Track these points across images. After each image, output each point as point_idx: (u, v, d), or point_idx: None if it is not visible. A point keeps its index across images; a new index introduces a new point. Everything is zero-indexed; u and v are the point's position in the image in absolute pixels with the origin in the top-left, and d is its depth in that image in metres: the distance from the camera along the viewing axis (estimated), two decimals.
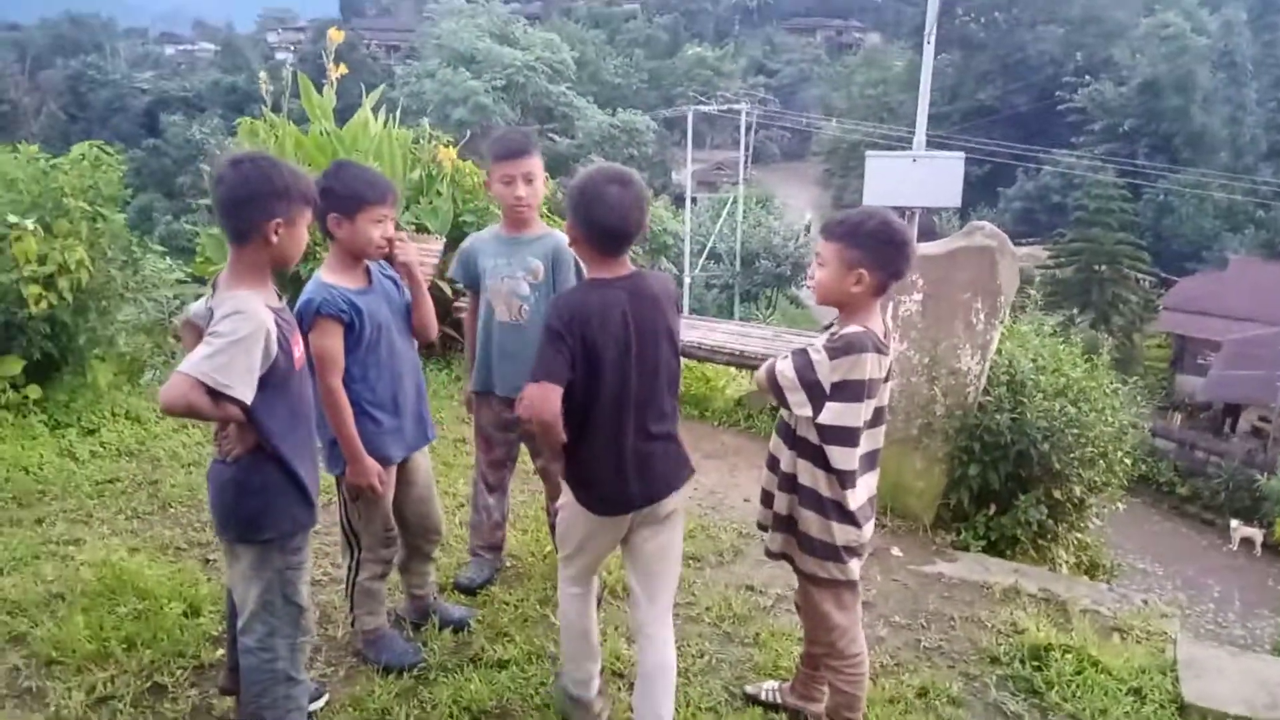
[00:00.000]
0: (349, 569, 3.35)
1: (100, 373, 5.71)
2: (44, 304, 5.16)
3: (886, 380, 2.77)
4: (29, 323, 5.23)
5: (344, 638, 3.51)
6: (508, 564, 4.14)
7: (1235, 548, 21.95)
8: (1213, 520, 23.69)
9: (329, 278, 3.06)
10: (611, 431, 2.69)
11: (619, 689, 3.33)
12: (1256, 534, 21.70)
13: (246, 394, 2.35)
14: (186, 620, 3.53)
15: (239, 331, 2.35)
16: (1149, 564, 18.42)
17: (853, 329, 2.68)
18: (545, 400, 2.55)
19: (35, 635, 3.41)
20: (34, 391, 5.38)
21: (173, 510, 4.65)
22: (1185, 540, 22.52)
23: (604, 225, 2.66)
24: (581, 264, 2.94)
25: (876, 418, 2.77)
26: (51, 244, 5.21)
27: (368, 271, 3.18)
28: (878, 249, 2.66)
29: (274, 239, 2.47)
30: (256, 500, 2.56)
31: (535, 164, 3.60)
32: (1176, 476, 24.68)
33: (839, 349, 2.64)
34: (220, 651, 3.37)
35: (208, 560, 4.13)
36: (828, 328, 2.88)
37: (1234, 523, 22.41)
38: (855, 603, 2.93)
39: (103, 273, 5.60)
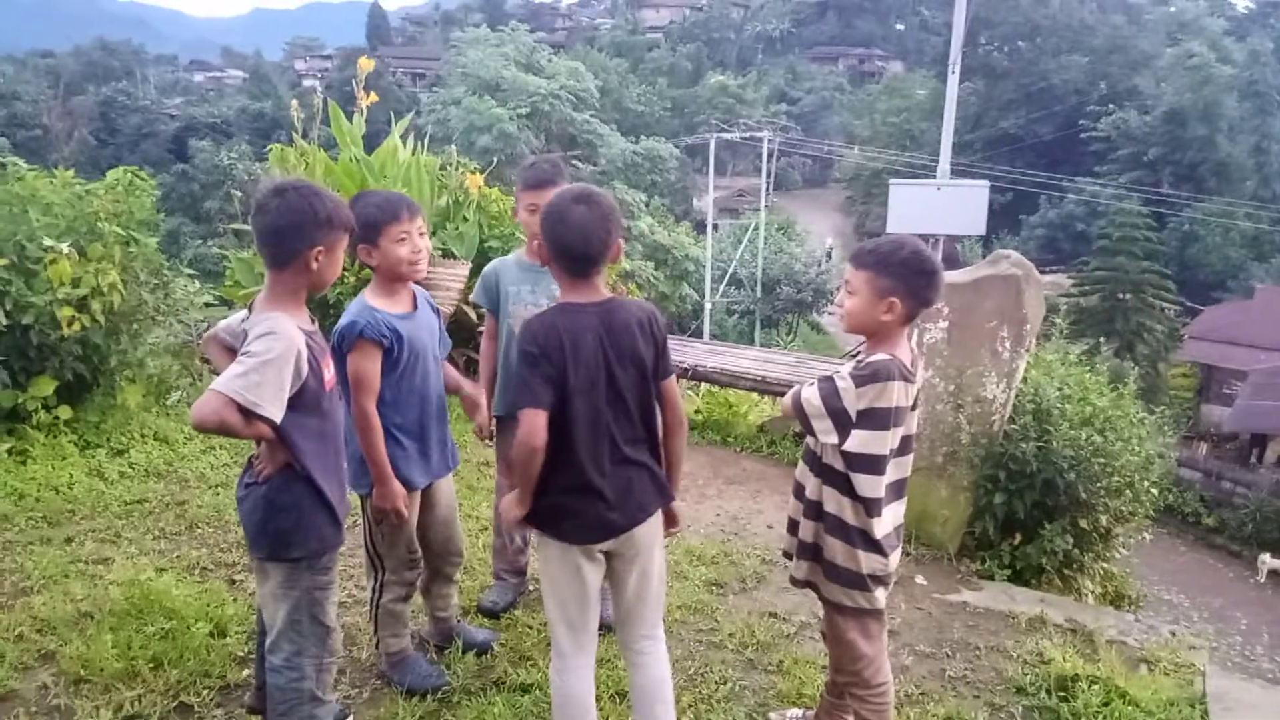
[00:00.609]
0: (373, 591, 3.36)
1: (130, 394, 5.78)
2: (76, 326, 5.23)
3: (913, 408, 2.77)
4: (61, 344, 5.31)
5: (368, 659, 3.52)
6: (531, 588, 4.15)
7: (1263, 579, 21.43)
8: (1240, 552, 23.32)
9: (374, 301, 3.10)
10: (587, 456, 2.62)
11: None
12: None
13: (276, 413, 2.39)
14: (213, 640, 3.55)
15: (271, 351, 2.39)
16: (1175, 595, 18.15)
17: (880, 357, 2.68)
18: (535, 428, 2.52)
19: (64, 653, 3.44)
20: (65, 412, 5.45)
21: (200, 531, 4.69)
22: (1212, 571, 22.17)
23: (566, 246, 2.60)
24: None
25: (904, 446, 2.77)
26: (85, 267, 5.30)
27: (414, 297, 3.22)
28: (909, 278, 2.66)
29: (314, 265, 2.53)
30: (286, 518, 2.59)
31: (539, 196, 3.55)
32: (1203, 507, 24.34)
33: (865, 376, 2.63)
34: (246, 671, 3.39)
35: (234, 581, 4.16)
36: (854, 355, 2.87)
37: (1262, 555, 21.98)
38: (881, 632, 2.91)
39: (134, 295, 5.68)
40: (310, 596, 2.66)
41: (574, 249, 2.61)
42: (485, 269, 3.89)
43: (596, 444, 2.63)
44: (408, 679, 3.36)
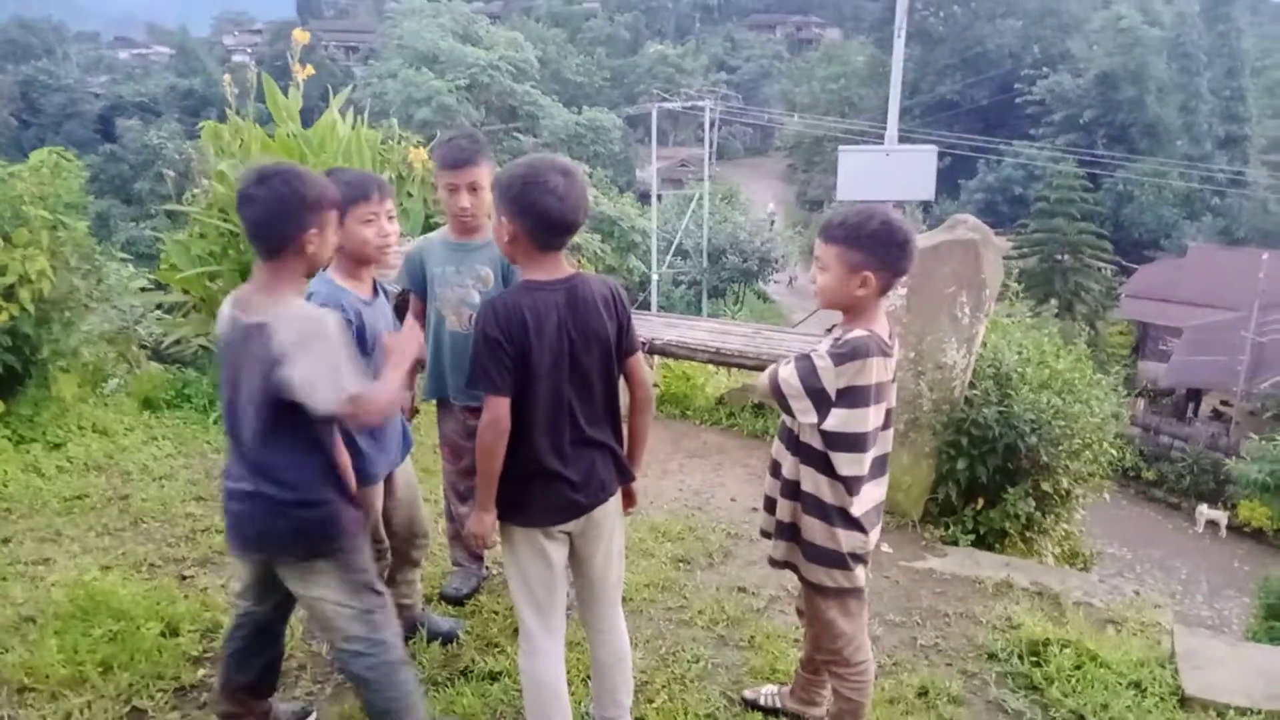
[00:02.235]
0: None
1: (65, 384, 5.53)
2: (4, 315, 4.99)
3: (892, 381, 2.71)
4: None
5: (329, 654, 3.40)
6: (494, 572, 4.05)
7: (1201, 530, 22.26)
8: (1178, 504, 24.01)
9: (340, 279, 3.02)
10: (548, 440, 2.58)
11: None
12: (1221, 516, 22.02)
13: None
14: (164, 640, 3.41)
15: (329, 335, 2.42)
16: (1118, 548, 18.60)
17: (857, 333, 2.60)
18: (499, 415, 2.50)
19: (6, 661, 3.27)
20: None
21: (145, 526, 4.51)
22: (1152, 524, 22.79)
23: (548, 215, 2.50)
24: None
25: (885, 421, 2.71)
26: (11, 254, 5.04)
27: (375, 283, 3.13)
28: (881, 250, 2.58)
29: (309, 249, 2.50)
30: (326, 509, 2.57)
31: (480, 173, 3.41)
32: (1142, 461, 24.94)
33: (844, 354, 2.56)
34: (202, 671, 3.27)
35: (184, 577, 4.01)
36: (829, 330, 2.80)
37: (1199, 506, 22.73)
38: (861, 610, 2.86)
39: (65, 282, 5.43)
40: (364, 575, 2.64)
41: (559, 219, 2.53)
42: (408, 250, 3.72)
43: (557, 426, 2.59)
44: None
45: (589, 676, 3.26)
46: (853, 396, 2.57)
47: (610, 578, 2.82)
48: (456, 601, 3.82)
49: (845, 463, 2.63)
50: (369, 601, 2.64)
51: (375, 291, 3.13)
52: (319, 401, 2.36)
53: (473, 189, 3.43)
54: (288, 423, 2.44)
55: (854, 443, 2.62)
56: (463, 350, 3.41)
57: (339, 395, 2.36)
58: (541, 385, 2.53)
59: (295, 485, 2.51)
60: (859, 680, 2.86)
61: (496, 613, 3.75)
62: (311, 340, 2.38)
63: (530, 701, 2.76)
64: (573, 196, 2.53)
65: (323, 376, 2.36)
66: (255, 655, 2.81)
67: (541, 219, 2.52)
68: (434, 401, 3.79)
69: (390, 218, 3.07)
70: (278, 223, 2.45)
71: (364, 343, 2.97)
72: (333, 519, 2.57)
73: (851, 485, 2.66)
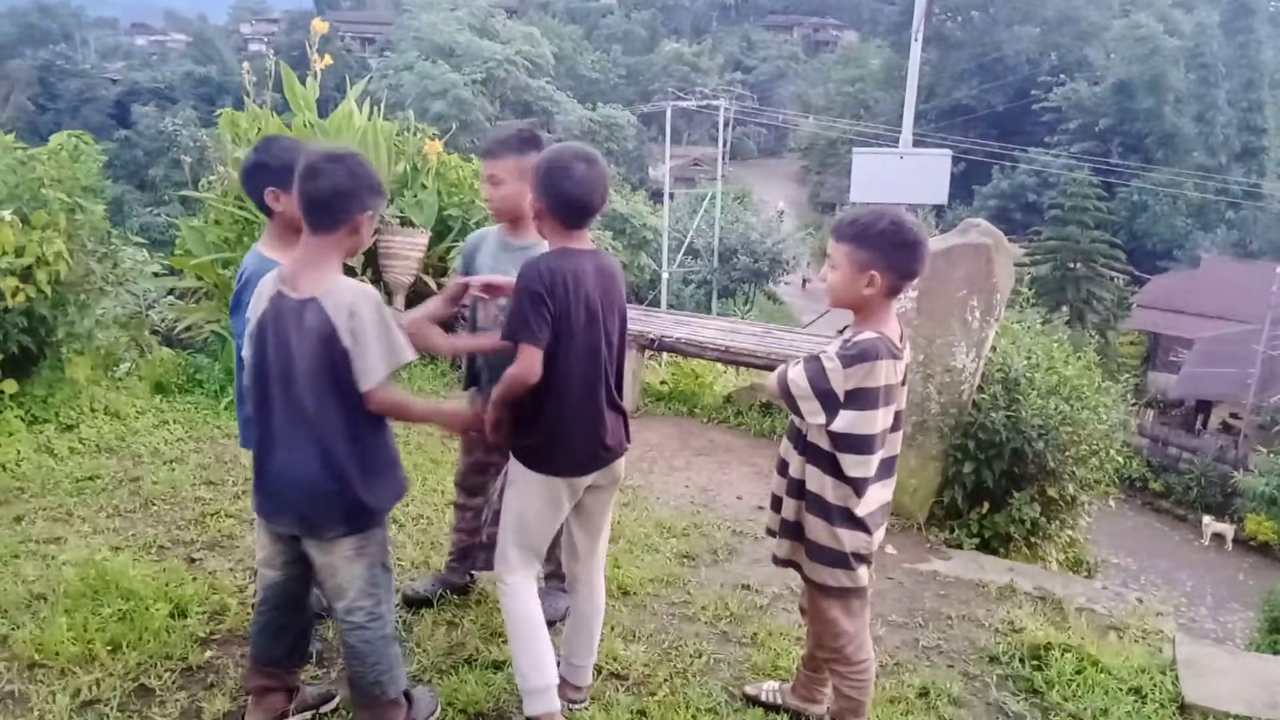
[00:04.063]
0: None
1: (78, 367, 5.58)
2: (21, 297, 5.02)
3: (903, 384, 2.72)
4: (5, 316, 5.10)
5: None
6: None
7: (1207, 543, 22.20)
8: (1184, 516, 23.95)
9: (270, 252, 3.08)
10: (586, 390, 2.79)
11: (618, 690, 3.28)
12: (1227, 529, 21.95)
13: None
14: (173, 621, 3.44)
15: (379, 311, 2.57)
16: (1123, 559, 18.53)
17: (866, 335, 2.62)
18: (534, 365, 2.68)
19: (16, 637, 3.31)
20: (10, 386, 5.24)
21: (155, 508, 4.54)
22: (1158, 535, 22.74)
23: (571, 199, 2.76)
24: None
25: (894, 423, 2.72)
26: (29, 235, 5.08)
27: None
28: (888, 250, 2.59)
29: (363, 230, 2.64)
30: (363, 485, 2.65)
31: (501, 166, 3.34)
32: (1149, 472, 24.88)
33: (853, 356, 2.57)
34: (209, 653, 3.30)
35: (192, 559, 4.04)
36: (840, 331, 2.82)
37: (1205, 518, 22.67)
38: (864, 609, 2.88)
39: (81, 265, 5.47)
40: (382, 549, 2.75)
41: (580, 203, 2.77)
42: (469, 238, 3.74)
43: (593, 380, 2.80)
44: None
45: (614, 675, 3.36)
46: (861, 398, 2.58)
47: (605, 531, 3.10)
48: (414, 604, 3.71)
49: (852, 464, 2.65)
50: (380, 577, 2.74)
51: None
52: (363, 377, 2.52)
53: (493, 181, 3.40)
54: (338, 397, 2.56)
55: (861, 444, 2.63)
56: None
57: (377, 378, 2.53)
58: (578, 341, 2.74)
59: (339, 459, 2.60)
60: (860, 679, 2.88)
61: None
62: (363, 317, 2.52)
63: (514, 636, 2.93)
64: (591, 183, 2.76)
65: (373, 351, 2.52)
66: (284, 626, 2.86)
67: (563, 201, 2.76)
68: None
69: None
70: (342, 199, 2.58)
71: None
72: (372, 494, 2.66)
73: (858, 486, 2.67)
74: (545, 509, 2.87)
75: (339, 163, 2.58)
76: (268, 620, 2.84)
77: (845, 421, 2.59)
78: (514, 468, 2.90)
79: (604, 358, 2.81)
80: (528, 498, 2.86)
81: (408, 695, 2.92)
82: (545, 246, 3.50)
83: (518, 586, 2.90)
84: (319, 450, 2.59)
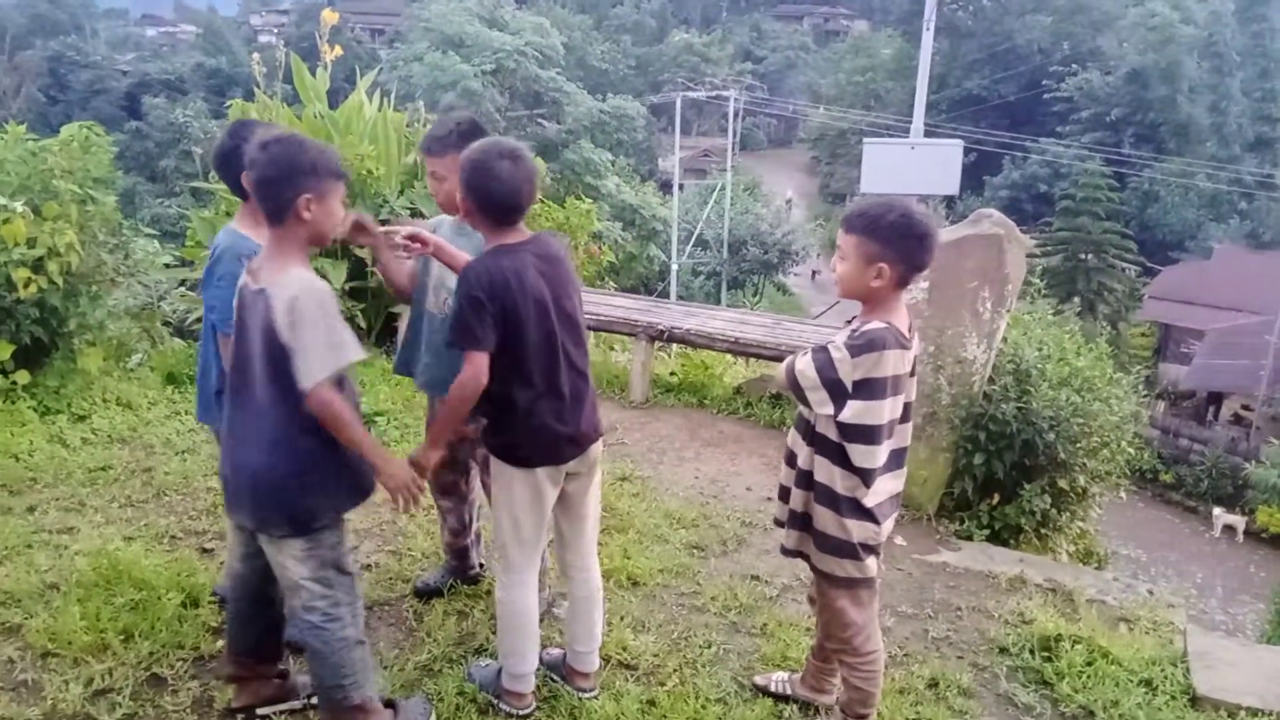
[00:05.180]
0: None
1: (90, 358, 5.60)
2: (33, 288, 5.06)
3: (912, 374, 2.71)
4: (18, 307, 5.13)
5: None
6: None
7: (1218, 534, 22.12)
8: (1195, 507, 23.85)
9: (244, 229, 3.10)
10: (549, 380, 2.80)
11: (628, 680, 3.29)
12: (1238, 521, 21.86)
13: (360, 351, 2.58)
14: (185, 610, 3.47)
15: (323, 308, 2.50)
16: (1133, 550, 18.50)
17: (874, 325, 2.61)
18: (481, 369, 2.69)
19: (30, 626, 3.34)
20: (23, 377, 5.28)
21: (167, 498, 4.57)
22: (1169, 527, 22.65)
23: (496, 199, 2.73)
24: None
25: (903, 414, 2.72)
26: (41, 227, 5.11)
27: None
28: (897, 242, 2.59)
29: (306, 215, 2.54)
30: (315, 491, 2.62)
31: (443, 163, 3.24)
32: (1160, 464, 24.77)
33: (860, 346, 2.58)
34: (221, 642, 3.31)
35: (204, 549, 4.06)
36: (848, 322, 2.81)
37: (1216, 510, 22.58)
38: (872, 600, 2.88)
39: (93, 256, 5.50)
40: (333, 552, 2.70)
41: (506, 202, 2.75)
42: (428, 221, 3.69)
43: (553, 368, 2.80)
44: None
45: (623, 664, 3.37)
46: (869, 388, 2.58)
47: (592, 517, 3.10)
48: (424, 595, 3.74)
49: (860, 455, 2.64)
50: (334, 579, 2.69)
51: None
52: (301, 374, 2.45)
53: (435, 177, 3.34)
54: (282, 393, 2.50)
55: (869, 435, 2.63)
56: (435, 334, 3.32)
57: (314, 378, 2.45)
58: (532, 333, 2.74)
59: (284, 458, 2.57)
60: (869, 670, 2.88)
61: None
62: (304, 311, 2.45)
63: (506, 628, 3.00)
64: (517, 180, 2.73)
65: (311, 349, 2.46)
66: (251, 620, 2.88)
67: (490, 201, 2.75)
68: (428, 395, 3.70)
69: None
70: (275, 186, 2.52)
71: None
72: (315, 496, 2.62)
73: (866, 477, 2.67)
74: (531, 502, 2.90)
75: (267, 149, 2.52)
76: (235, 610, 2.89)
77: (853, 412, 2.59)
78: (494, 465, 2.94)
79: (560, 344, 2.80)
80: (513, 494, 2.90)
81: (394, 705, 2.91)
82: None
83: (517, 581, 2.96)
84: (266, 447, 2.57)
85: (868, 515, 2.72)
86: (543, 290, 2.75)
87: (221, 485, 2.77)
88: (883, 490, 2.73)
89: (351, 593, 2.75)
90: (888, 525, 2.79)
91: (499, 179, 2.70)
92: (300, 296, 2.47)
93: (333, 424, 2.53)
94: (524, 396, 2.78)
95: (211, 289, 3.06)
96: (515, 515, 2.91)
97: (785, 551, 2.93)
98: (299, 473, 2.58)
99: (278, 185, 2.52)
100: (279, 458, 2.57)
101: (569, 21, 61.42)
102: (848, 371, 2.57)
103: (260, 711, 2.96)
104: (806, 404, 2.65)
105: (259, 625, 2.89)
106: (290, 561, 2.64)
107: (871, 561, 2.78)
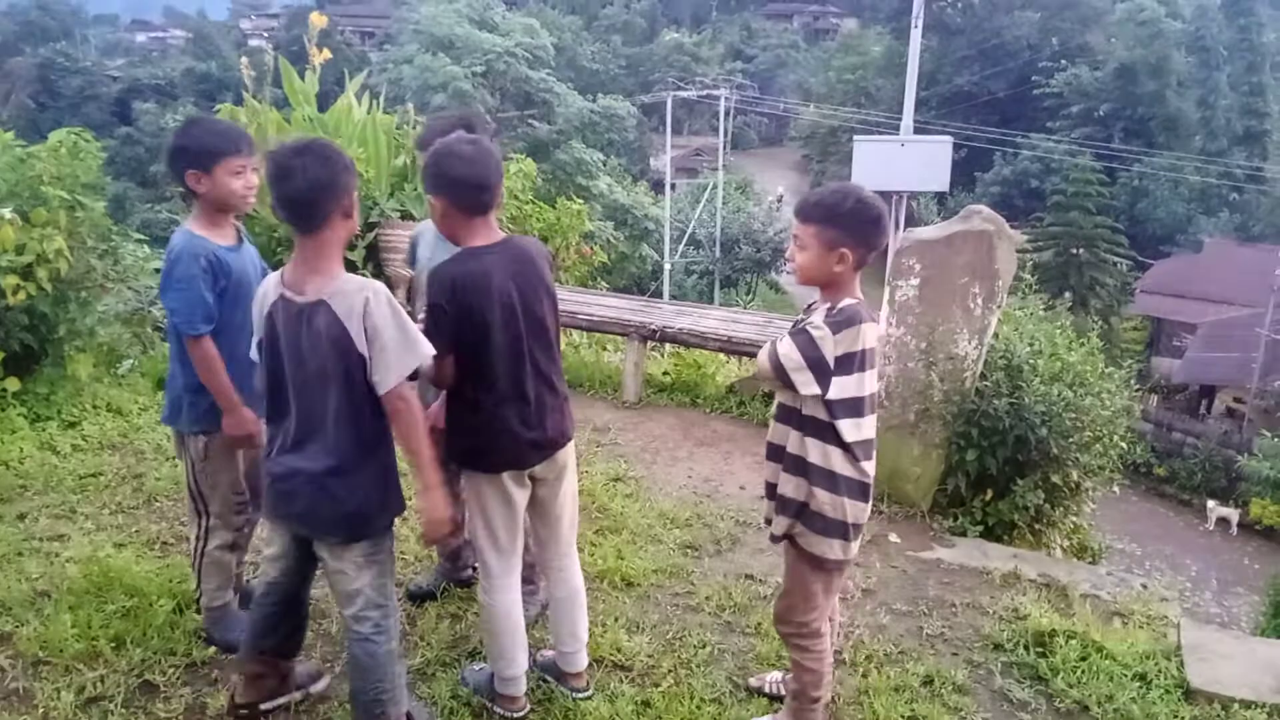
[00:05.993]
0: (197, 538, 3.25)
1: (80, 364, 5.58)
2: (22, 295, 5.03)
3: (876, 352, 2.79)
4: (7, 314, 5.11)
5: (339, 632, 3.44)
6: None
7: (1211, 527, 22.19)
8: (1189, 500, 23.92)
9: (199, 230, 3.07)
10: (514, 383, 2.79)
11: (622, 681, 3.29)
12: (1232, 513, 21.94)
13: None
14: (177, 617, 3.46)
15: (391, 304, 2.52)
16: (1127, 544, 18.54)
17: (849, 302, 2.69)
18: (442, 373, 2.71)
19: (21, 634, 3.33)
20: (13, 384, 5.25)
21: (158, 504, 4.55)
22: (1163, 520, 22.71)
23: (464, 180, 2.71)
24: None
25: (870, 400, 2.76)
26: (29, 233, 5.08)
27: (237, 231, 3.19)
28: (857, 227, 2.69)
29: (353, 214, 2.58)
30: (379, 494, 2.65)
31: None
32: (1154, 457, 24.82)
33: (841, 322, 2.64)
34: (213, 649, 3.30)
35: None
36: (808, 308, 2.85)
37: (1210, 503, 22.65)
38: (839, 585, 3.00)
39: (82, 262, 5.47)
40: (392, 558, 2.74)
41: (475, 181, 2.72)
42: (416, 226, 3.82)
43: (519, 372, 2.80)
44: (227, 636, 3.26)
45: (617, 666, 3.37)
46: (849, 363, 2.64)
47: (566, 519, 3.09)
48: (418, 599, 3.75)
49: (850, 428, 2.69)
50: (390, 588, 2.73)
51: (239, 239, 3.18)
52: (380, 378, 2.48)
53: None
54: (350, 403, 2.52)
55: (856, 407, 2.68)
56: None
57: (397, 379, 2.48)
58: (499, 336, 2.73)
59: (350, 465, 2.57)
60: (821, 649, 2.93)
61: None
62: (377, 315, 2.47)
63: (492, 632, 3.00)
64: (483, 158, 2.73)
65: (390, 352, 2.48)
66: (282, 620, 2.87)
67: (458, 185, 2.72)
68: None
69: (255, 170, 3.11)
70: (321, 193, 2.49)
71: (231, 287, 3.04)
72: (383, 504, 2.66)
73: (860, 450, 2.73)
74: (500, 507, 2.89)
75: (306, 155, 2.49)
76: (268, 614, 2.85)
77: (839, 387, 2.65)
78: (464, 474, 2.95)
79: (528, 348, 2.80)
80: (483, 499, 2.90)
81: (409, 715, 2.90)
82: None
83: (498, 586, 2.96)
84: (331, 455, 2.57)
85: (865, 493, 2.78)
86: (511, 294, 2.74)
87: (270, 497, 2.71)
88: (869, 470, 2.78)
89: (395, 605, 2.77)
90: (868, 507, 2.85)
91: (462, 157, 2.70)
92: (370, 300, 2.48)
93: (407, 428, 2.55)
94: (488, 400, 2.78)
95: (171, 293, 3.02)
96: (488, 521, 2.91)
97: (774, 539, 2.94)
98: (368, 480, 2.61)
99: (328, 190, 2.49)
100: (348, 466, 2.57)
101: (559, 22, 61.42)
102: (830, 348, 2.63)
103: (264, 707, 2.95)
104: (792, 386, 2.68)
105: (289, 626, 2.90)
106: (350, 568, 2.65)
107: (855, 545, 2.84)
